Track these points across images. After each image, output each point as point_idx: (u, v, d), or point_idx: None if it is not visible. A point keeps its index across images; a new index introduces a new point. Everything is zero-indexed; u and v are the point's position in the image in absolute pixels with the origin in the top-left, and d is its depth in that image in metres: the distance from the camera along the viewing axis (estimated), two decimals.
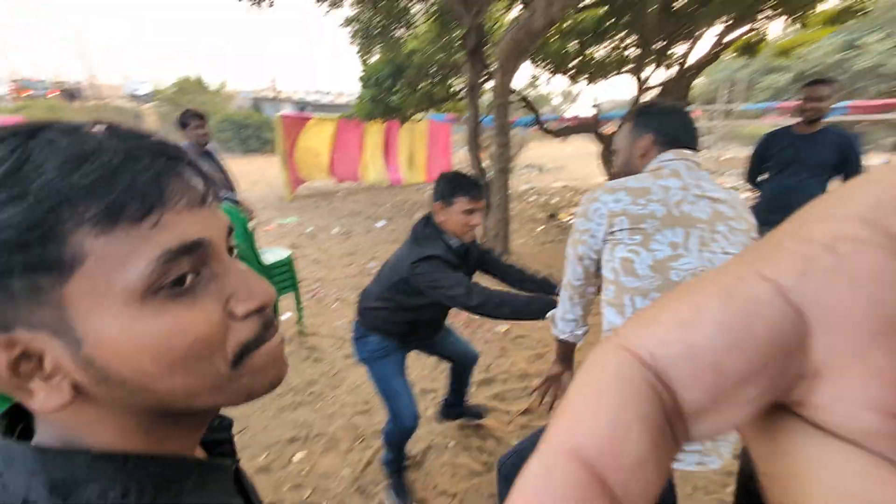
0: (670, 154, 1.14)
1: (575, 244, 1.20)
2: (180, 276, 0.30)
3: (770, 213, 2.88)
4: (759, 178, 3.04)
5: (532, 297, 1.50)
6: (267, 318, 0.35)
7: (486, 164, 6.19)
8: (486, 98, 6.30)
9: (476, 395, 2.66)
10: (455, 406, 2.31)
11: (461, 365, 2.17)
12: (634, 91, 6.95)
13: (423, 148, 11.93)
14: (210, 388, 0.33)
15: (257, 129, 18.73)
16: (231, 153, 17.60)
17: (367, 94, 7.20)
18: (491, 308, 1.44)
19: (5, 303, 0.27)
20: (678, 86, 6.32)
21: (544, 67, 7.40)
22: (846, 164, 2.69)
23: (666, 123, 1.18)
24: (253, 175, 13.29)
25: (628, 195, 1.10)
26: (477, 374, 2.87)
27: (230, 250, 0.37)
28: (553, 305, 1.39)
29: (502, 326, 3.50)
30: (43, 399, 0.29)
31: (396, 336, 1.79)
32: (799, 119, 2.81)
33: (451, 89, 7.73)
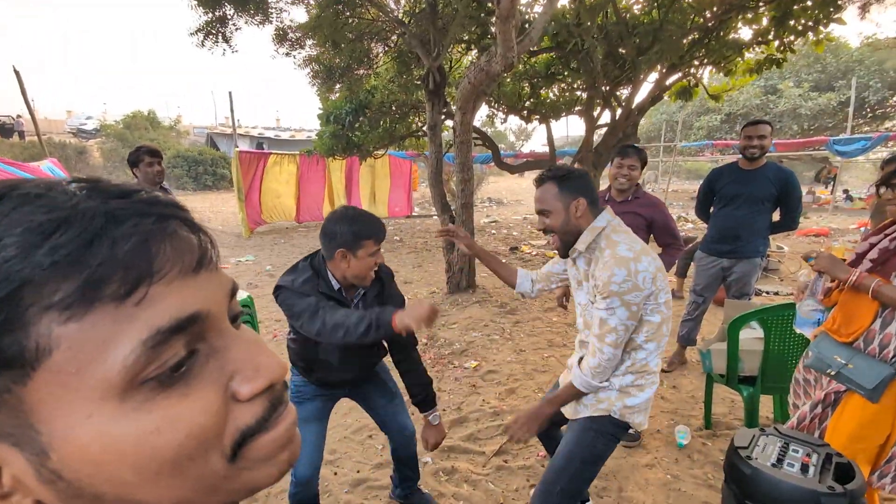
0: (607, 214, 1.44)
1: (631, 317, 1.35)
2: (177, 362, 0.25)
3: (719, 243, 3.05)
4: (709, 211, 3.20)
5: (363, 315, 1.37)
6: (275, 397, 0.30)
7: (448, 199, 6.29)
8: (447, 135, 6.48)
9: (449, 436, 2.58)
10: (402, 493, 2.03)
11: (395, 442, 1.91)
12: (585, 130, 7.35)
13: (386, 183, 12.01)
14: (203, 491, 0.27)
15: (212, 164, 18.25)
16: (183, 190, 17.00)
17: (328, 130, 7.22)
18: (327, 334, 1.38)
19: None
20: (625, 124, 6.74)
21: (499, 108, 7.72)
22: (786, 196, 2.91)
23: (588, 188, 1.44)
24: (207, 212, 12.85)
25: (647, 254, 1.36)
26: (449, 414, 2.80)
27: (234, 318, 0.31)
28: (383, 319, 1.33)
29: (472, 362, 3.46)
30: None
31: (308, 373, 1.66)
32: (740, 157, 3.01)
33: (412, 126, 7.90)
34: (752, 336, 2.29)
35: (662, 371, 3.30)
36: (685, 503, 2.05)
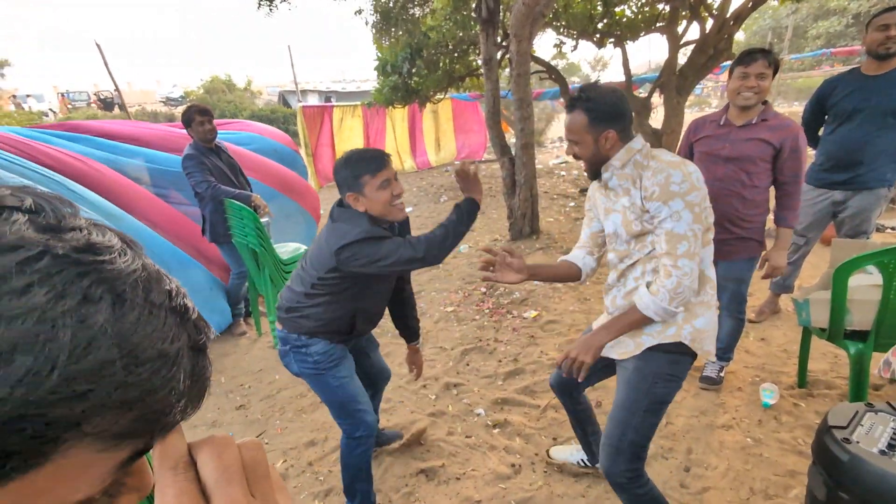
0: (640, 139, 1.35)
1: (696, 220, 1.25)
2: (115, 480, 0.27)
3: (832, 172, 2.50)
4: (818, 132, 2.60)
5: (457, 210, 1.52)
6: None
7: (511, 140, 5.92)
8: (507, 72, 5.99)
9: (503, 388, 2.50)
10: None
11: (374, 383, 1.93)
12: (668, 50, 6.42)
13: (450, 128, 11.68)
14: None
15: (284, 122, 18.93)
16: None
17: (387, 83, 7.02)
18: (437, 248, 1.44)
19: None
20: (717, 38, 5.77)
21: (568, 34, 6.95)
22: None
23: (620, 115, 1.33)
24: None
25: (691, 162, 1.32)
26: (505, 365, 2.71)
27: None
28: (469, 204, 1.53)
29: (531, 312, 3.30)
30: None
31: (341, 335, 1.61)
32: (865, 57, 2.37)
33: (472, 65, 7.43)
34: (866, 283, 1.88)
35: (750, 321, 2.91)
36: (767, 470, 1.81)
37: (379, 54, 7.18)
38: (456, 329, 3.24)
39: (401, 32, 6.59)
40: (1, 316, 0.21)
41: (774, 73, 1.98)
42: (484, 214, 6.43)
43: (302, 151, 9.82)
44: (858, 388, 1.87)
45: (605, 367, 1.56)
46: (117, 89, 7.51)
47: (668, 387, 1.35)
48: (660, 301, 1.27)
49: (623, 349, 1.41)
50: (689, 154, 2.27)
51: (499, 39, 5.15)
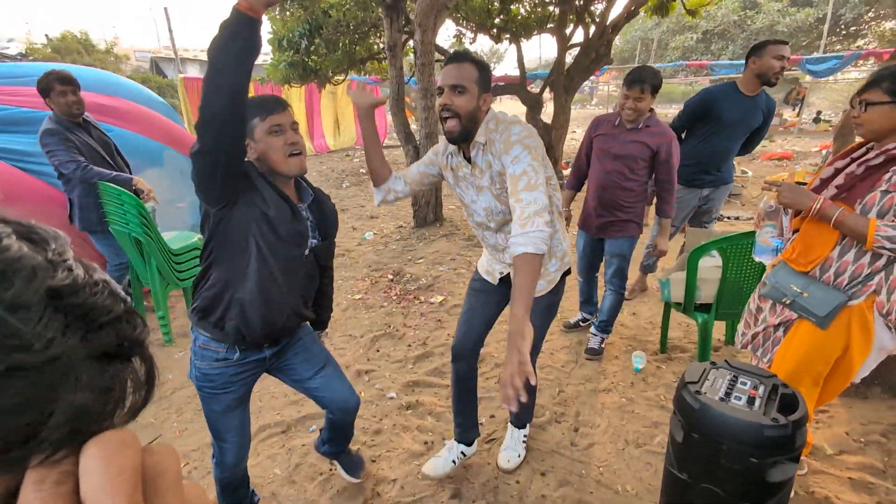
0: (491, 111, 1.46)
1: (535, 158, 1.34)
2: None
3: (704, 173, 2.91)
4: (681, 136, 3.02)
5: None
6: None
7: (413, 127, 5.97)
8: (411, 58, 5.99)
9: (413, 371, 2.60)
10: (329, 451, 1.82)
11: (334, 414, 1.63)
12: (557, 50, 6.94)
13: (349, 111, 11.35)
14: None
15: (159, 93, 16.77)
16: None
17: (282, 58, 6.59)
18: (204, 95, 1.07)
19: None
20: (599, 43, 6.38)
21: (467, 26, 7.16)
22: (764, 124, 2.81)
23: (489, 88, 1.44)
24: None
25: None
26: (414, 350, 2.80)
27: None
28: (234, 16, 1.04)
29: (438, 297, 3.44)
30: None
31: (223, 324, 1.32)
32: (742, 78, 2.72)
33: (373, 48, 7.30)
34: (710, 265, 2.30)
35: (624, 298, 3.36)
36: (637, 423, 2.15)
37: (272, 27, 6.72)
38: (364, 316, 3.25)
39: (297, 6, 6.23)
40: None
41: (654, 91, 2.31)
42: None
43: (185, 126, 8.86)
44: (704, 349, 2.29)
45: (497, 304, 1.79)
46: None
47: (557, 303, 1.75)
48: (528, 232, 1.23)
49: (540, 286, 1.65)
50: (588, 147, 2.58)
51: (402, 25, 5.14)
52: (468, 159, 1.49)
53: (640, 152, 2.37)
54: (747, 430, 1.05)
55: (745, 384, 1.18)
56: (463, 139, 1.42)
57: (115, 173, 2.66)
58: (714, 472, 1.12)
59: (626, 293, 3.38)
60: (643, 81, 2.26)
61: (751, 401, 1.12)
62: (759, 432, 1.04)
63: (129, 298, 0.28)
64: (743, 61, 2.77)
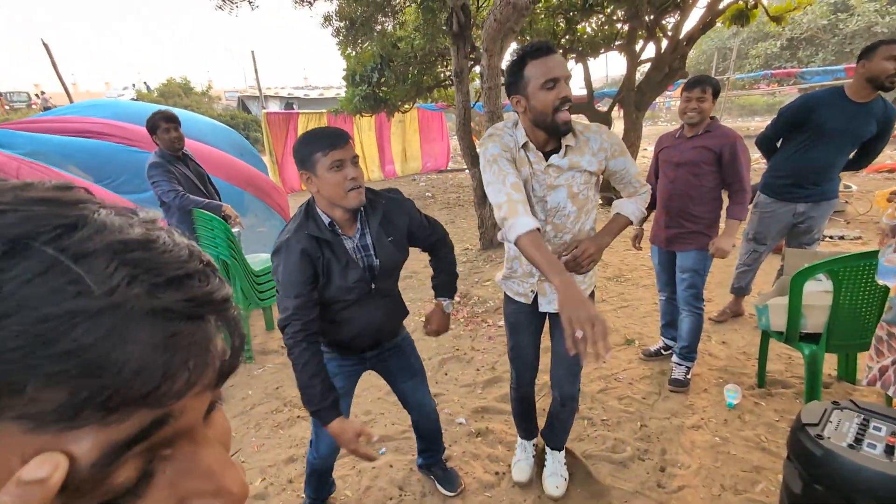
0: None
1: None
2: (124, 486, 0.22)
3: (797, 187, 2.63)
4: (776, 144, 2.77)
5: (321, 383, 1.33)
6: None
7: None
8: (477, 84, 6.10)
9: (482, 396, 2.53)
10: (424, 463, 1.99)
11: (414, 417, 1.84)
12: (627, 68, 6.74)
13: (416, 138, 11.74)
14: None
15: (244, 128, 18.45)
16: None
17: (356, 92, 6.99)
18: (294, 361, 1.33)
19: None
20: (672, 57, 6.12)
21: None
22: (881, 135, 2.48)
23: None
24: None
25: None
26: (483, 374, 2.74)
27: (212, 405, 0.28)
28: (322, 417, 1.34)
29: None
30: None
31: (337, 345, 1.58)
32: (851, 83, 2.44)
33: (440, 76, 7.53)
34: (818, 289, 2.05)
35: (711, 319, 3.12)
36: (734, 466, 1.92)
37: (345, 68, 7.15)
38: (433, 340, 3.24)
39: (368, 43, 6.60)
40: None
41: (715, 95, 2.29)
42: (454, 224, 6.49)
43: (267, 159, 9.62)
44: (813, 386, 2.02)
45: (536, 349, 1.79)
46: (65, 89, 7.09)
47: None
48: (642, 207, 1.55)
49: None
50: (655, 164, 2.55)
51: (468, 52, 5.25)
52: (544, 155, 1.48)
53: (701, 157, 2.29)
54: (888, 486, 0.89)
55: (879, 429, 1.01)
56: (569, 132, 1.43)
57: (207, 200, 2.90)
58: None
59: (717, 315, 3.12)
60: (704, 83, 2.25)
61: (890, 450, 0.95)
62: None
63: (212, 261, 0.27)
64: (838, 67, 2.53)
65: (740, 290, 3.08)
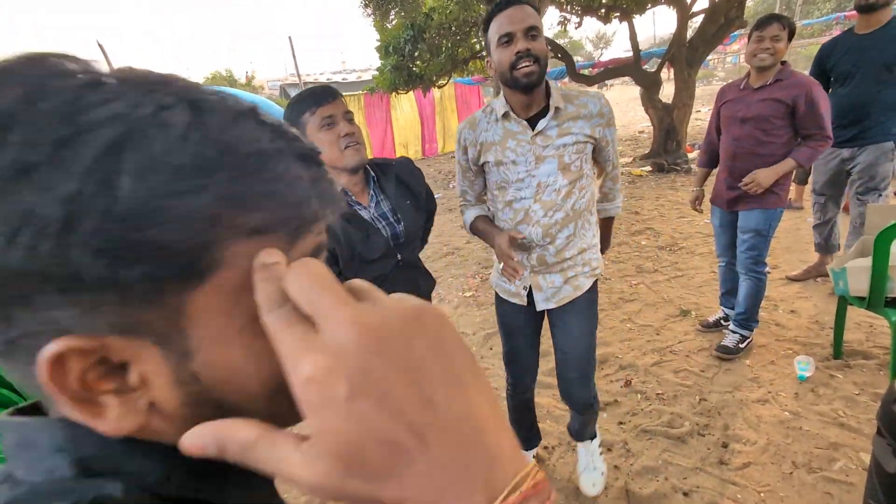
0: None
1: None
2: None
3: (836, 129, 2.42)
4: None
5: None
6: None
7: None
8: None
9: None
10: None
11: None
12: (677, 21, 6.26)
13: (454, 113, 11.55)
14: (295, 415, 0.27)
15: None
16: None
17: (388, 63, 6.90)
18: None
19: (112, 307, 0.23)
20: (728, 6, 5.60)
21: (572, 10, 6.79)
22: None
23: None
24: None
25: None
26: None
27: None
28: None
29: None
30: (115, 419, 0.24)
31: None
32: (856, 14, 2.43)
33: (476, 47, 7.30)
34: None
35: (790, 278, 2.97)
36: (808, 443, 1.77)
37: (378, 39, 7.07)
38: (476, 314, 3.21)
39: (401, 13, 6.48)
40: (90, 123, 0.22)
41: (790, 36, 2.05)
42: None
43: None
44: None
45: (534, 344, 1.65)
46: None
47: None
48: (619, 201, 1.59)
49: (567, 294, 1.45)
50: (717, 118, 2.32)
51: None
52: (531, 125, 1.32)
53: (772, 111, 2.04)
54: None
55: None
56: (538, 84, 1.26)
57: None
58: None
59: (800, 274, 2.95)
60: (781, 19, 2.00)
61: None
62: None
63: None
64: None
65: (820, 247, 2.89)
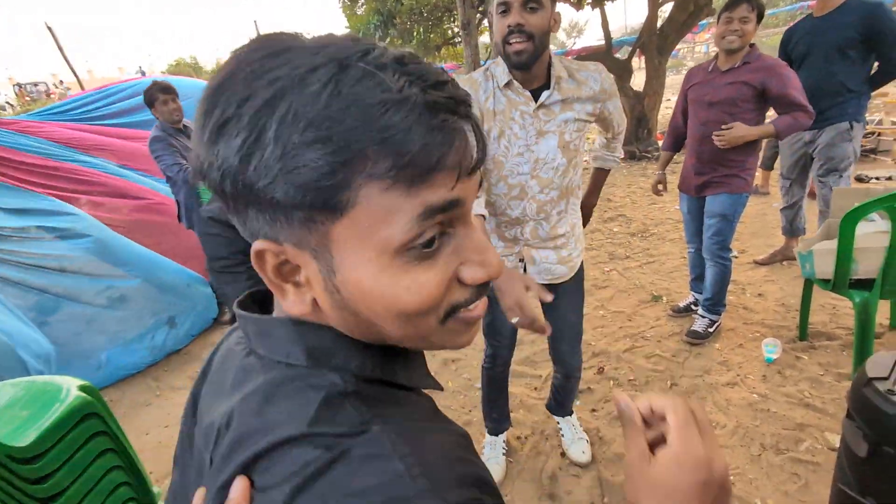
0: None
1: None
2: (430, 238, 0.31)
3: None
4: None
5: None
6: (483, 287, 0.36)
7: None
8: (487, 39, 5.76)
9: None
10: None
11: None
12: (648, 9, 6.27)
13: None
14: (418, 337, 0.36)
15: None
16: None
17: None
18: None
19: (284, 225, 0.31)
20: None
21: None
22: (877, 36, 2.30)
23: None
24: None
25: None
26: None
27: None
28: None
29: None
30: (291, 301, 0.35)
31: None
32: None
33: (448, 33, 7.18)
34: (870, 230, 1.84)
35: (757, 262, 3.04)
36: (775, 425, 1.79)
37: (347, 26, 6.87)
38: None
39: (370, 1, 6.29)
40: (257, 87, 0.29)
41: (759, 18, 2.02)
42: None
43: None
44: (864, 337, 1.84)
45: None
46: (75, 75, 7.04)
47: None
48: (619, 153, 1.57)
49: (561, 273, 1.44)
50: (684, 101, 2.30)
51: (476, 2, 4.94)
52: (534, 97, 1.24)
53: (739, 94, 2.02)
54: None
55: None
56: (532, 64, 1.17)
57: None
58: None
59: (765, 259, 3.00)
60: (749, 0, 1.96)
61: None
62: None
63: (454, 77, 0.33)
64: None
65: (786, 230, 2.95)
